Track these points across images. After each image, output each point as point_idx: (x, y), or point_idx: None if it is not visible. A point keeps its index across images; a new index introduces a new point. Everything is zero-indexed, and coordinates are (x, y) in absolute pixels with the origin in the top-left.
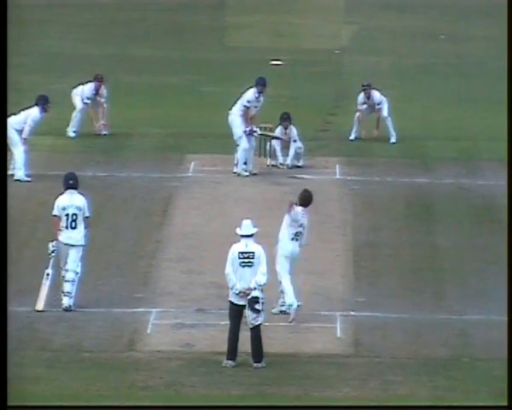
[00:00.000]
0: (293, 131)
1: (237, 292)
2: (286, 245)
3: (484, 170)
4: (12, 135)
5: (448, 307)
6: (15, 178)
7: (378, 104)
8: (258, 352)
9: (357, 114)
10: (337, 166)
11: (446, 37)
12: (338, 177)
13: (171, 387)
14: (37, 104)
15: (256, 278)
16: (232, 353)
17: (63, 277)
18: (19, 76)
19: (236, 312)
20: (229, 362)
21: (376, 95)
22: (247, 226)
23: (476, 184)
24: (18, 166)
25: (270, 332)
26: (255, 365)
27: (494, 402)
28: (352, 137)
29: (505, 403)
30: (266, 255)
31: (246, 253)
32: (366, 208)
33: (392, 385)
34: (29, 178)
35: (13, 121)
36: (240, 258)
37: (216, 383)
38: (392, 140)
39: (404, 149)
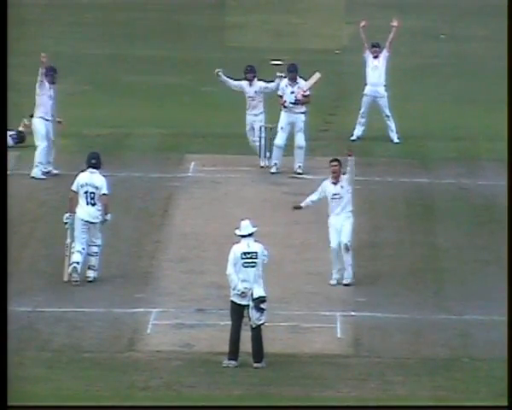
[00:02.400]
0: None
1: (239, 292)
2: (330, 219)
3: (484, 170)
4: (39, 126)
5: (448, 307)
6: (31, 175)
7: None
8: (258, 352)
9: (362, 110)
10: None
11: (446, 37)
12: None
13: (171, 387)
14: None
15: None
16: (234, 353)
17: (78, 251)
18: (19, 76)
19: (238, 311)
20: (232, 362)
21: (384, 55)
22: (246, 226)
23: (476, 184)
24: (35, 163)
25: (270, 332)
26: (255, 365)
27: (494, 402)
28: (354, 137)
29: (505, 403)
30: (267, 254)
31: (249, 253)
32: (366, 208)
33: (392, 385)
34: (44, 176)
35: (42, 113)
36: (243, 258)
37: (216, 384)
38: (396, 140)
39: (404, 149)
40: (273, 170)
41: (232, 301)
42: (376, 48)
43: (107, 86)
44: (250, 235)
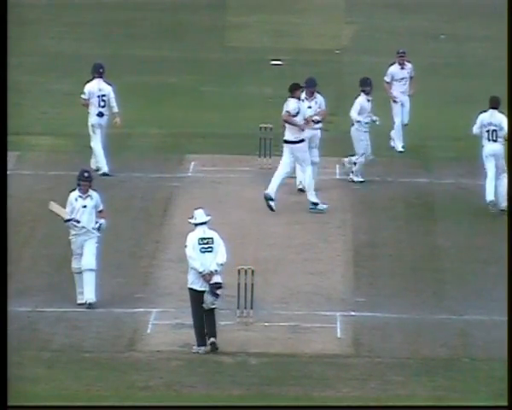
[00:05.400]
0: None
1: (200, 272)
2: (485, 146)
3: (484, 170)
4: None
5: (448, 307)
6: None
7: (411, 77)
8: (213, 330)
9: (394, 109)
10: (337, 166)
11: (446, 37)
12: (338, 177)
13: (171, 387)
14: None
15: (216, 259)
16: (203, 338)
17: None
18: (19, 76)
19: (198, 297)
20: (202, 348)
21: (410, 66)
22: (200, 215)
23: (476, 184)
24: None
25: (270, 332)
26: (212, 339)
27: (494, 402)
28: (400, 148)
29: (505, 403)
30: (225, 243)
31: (205, 238)
32: (366, 208)
33: (392, 385)
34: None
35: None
36: (200, 244)
37: (216, 383)
38: (400, 149)
39: (404, 149)
40: (301, 187)
41: (191, 289)
42: (403, 55)
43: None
44: (205, 223)
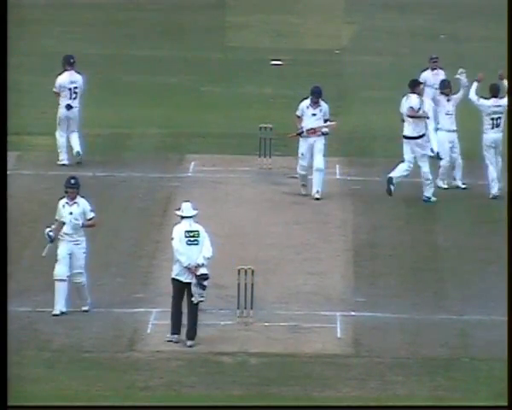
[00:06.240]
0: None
1: (185, 266)
2: (487, 134)
3: (484, 170)
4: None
5: (448, 307)
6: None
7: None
8: (192, 328)
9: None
10: (337, 166)
11: (446, 37)
12: (338, 177)
13: (171, 387)
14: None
15: (203, 253)
16: (177, 327)
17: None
18: (19, 76)
19: (181, 289)
20: (175, 336)
21: (442, 72)
22: (188, 208)
23: (476, 184)
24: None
25: (270, 332)
26: (189, 343)
27: (494, 402)
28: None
29: (505, 403)
30: (210, 236)
31: (191, 231)
32: (366, 208)
33: (392, 385)
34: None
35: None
36: (186, 236)
37: (216, 383)
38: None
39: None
40: (304, 192)
41: (176, 280)
42: (436, 60)
43: (107, 86)
44: (191, 217)
